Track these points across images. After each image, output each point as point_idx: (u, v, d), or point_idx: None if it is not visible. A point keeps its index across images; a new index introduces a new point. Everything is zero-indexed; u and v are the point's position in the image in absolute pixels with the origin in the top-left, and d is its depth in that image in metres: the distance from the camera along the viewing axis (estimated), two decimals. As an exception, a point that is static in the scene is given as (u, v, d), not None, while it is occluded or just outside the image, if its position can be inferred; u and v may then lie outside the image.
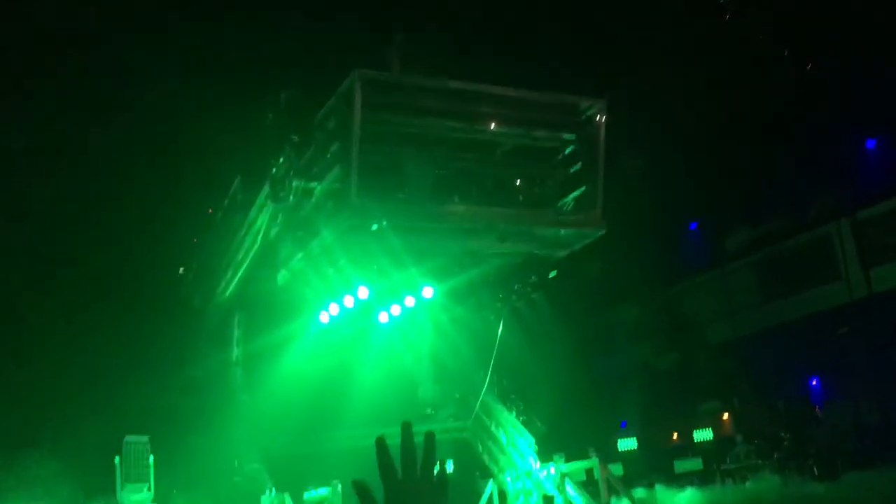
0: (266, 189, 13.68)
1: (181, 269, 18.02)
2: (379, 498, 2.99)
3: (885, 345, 25.12)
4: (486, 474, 19.08)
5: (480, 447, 19.31)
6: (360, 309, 14.54)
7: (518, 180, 14.45)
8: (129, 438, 16.32)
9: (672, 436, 29.23)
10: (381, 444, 3.08)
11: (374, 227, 12.97)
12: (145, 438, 16.54)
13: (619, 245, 25.76)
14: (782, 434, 25.57)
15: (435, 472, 3.02)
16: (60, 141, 16.79)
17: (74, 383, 18.12)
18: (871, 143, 28.60)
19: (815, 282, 28.69)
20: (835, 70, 25.71)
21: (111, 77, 16.55)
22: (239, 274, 15.41)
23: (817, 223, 28.96)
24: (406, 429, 3.16)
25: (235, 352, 16.62)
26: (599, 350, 28.38)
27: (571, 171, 14.24)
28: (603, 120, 13.72)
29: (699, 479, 24.49)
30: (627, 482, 19.21)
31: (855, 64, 25.11)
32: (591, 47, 19.03)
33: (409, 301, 14.84)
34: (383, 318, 15.35)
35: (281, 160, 13.40)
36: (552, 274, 14.99)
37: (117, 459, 15.87)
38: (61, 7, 15.67)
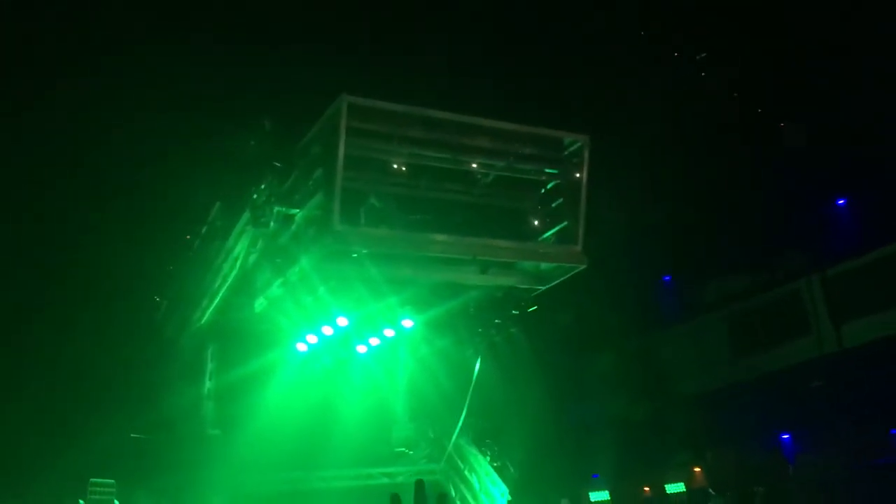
0: (246, 215, 13.56)
1: (157, 298, 17.71)
2: None
3: (855, 400, 25.23)
4: (458, 523, 18.80)
5: (454, 491, 19.01)
6: (338, 339, 14.37)
7: (500, 213, 14.43)
8: (94, 481, 15.93)
9: (644, 488, 28.97)
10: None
11: (355, 254, 12.84)
12: (111, 481, 16.15)
13: (595, 294, 25.93)
14: (755, 488, 25.44)
15: None
16: (31, 164, 16.59)
17: (39, 421, 17.63)
18: (840, 202, 29.10)
19: (785, 337, 28.82)
20: (808, 129, 26.32)
21: (88, 101, 16.42)
22: (215, 301, 15.21)
23: (788, 279, 29.25)
24: (419, 487, 3.07)
25: (208, 385, 16.33)
26: (573, 398, 28.18)
27: (553, 205, 14.27)
28: (586, 156, 13.81)
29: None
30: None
31: (826, 122, 25.71)
32: (571, 91, 19.31)
33: (388, 332, 14.68)
34: (362, 349, 15.14)
35: (262, 186, 13.32)
36: (532, 308, 14.94)
37: (81, 503, 15.44)
38: (30, 29, 15.59)
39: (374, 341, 15.06)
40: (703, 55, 26.39)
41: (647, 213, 26.29)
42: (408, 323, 14.42)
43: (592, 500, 27.32)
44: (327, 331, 14.19)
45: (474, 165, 13.85)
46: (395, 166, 13.47)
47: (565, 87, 19.64)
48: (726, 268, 30.28)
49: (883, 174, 25.42)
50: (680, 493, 27.54)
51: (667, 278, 32.30)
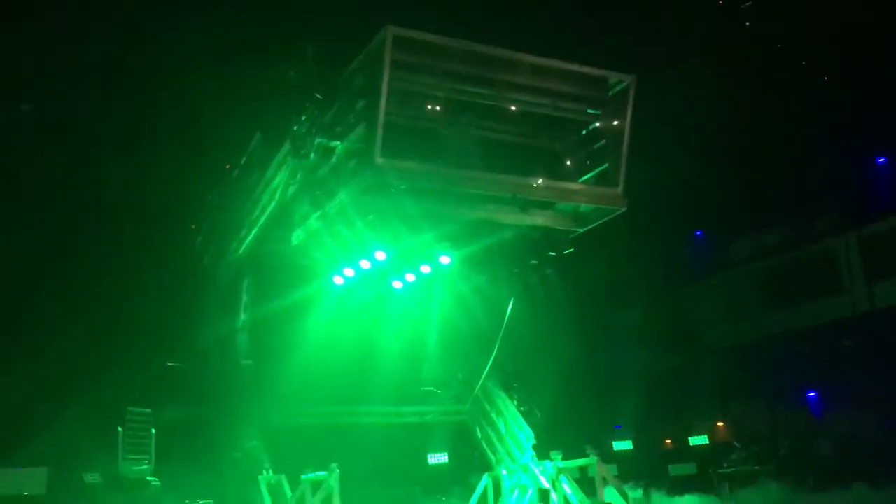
0: (286, 146, 13.51)
1: (192, 227, 17.77)
2: None
3: (886, 360, 25.05)
4: (482, 465, 18.92)
5: (479, 433, 19.15)
6: (375, 273, 14.37)
7: (540, 153, 14.30)
8: (131, 409, 16.16)
9: (667, 439, 29.10)
10: None
11: (394, 189, 12.79)
12: (148, 410, 16.38)
13: (627, 247, 25.80)
14: (781, 442, 25.47)
15: None
16: (75, 95, 16.60)
17: (78, 350, 17.88)
18: (880, 160, 28.65)
19: (817, 294, 28.66)
20: (848, 85, 25.77)
21: (128, 34, 16.35)
22: (253, 232, 15.23)
23: (823, 236, 28.97)
24: None
25: (242, 317, 16.42)
26: (602, 349, 28.22)
27: (595, 147, 14.10)
28: (631, 97, 13.60)
29: (695, 483, 24.36)
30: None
31: (869, 80, 25.16)
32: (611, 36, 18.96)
33: (425, 269, 14.66)
34: (398, 284, 15.16)
35: (303, 117, 13.24)
36: (569, 250, 14.85)
37: (120, 430, 15.68)
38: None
39: (411, 277, 15.05)
40: (749, 3, 25.79)
41: (682, 166, 25.98)
42: (445, 259, 14.38)
43: (616, 448, 27.42)
44: (364, 265, 14.18)
45: (516, 103, 13.62)
46: (438, 101, 13.28)
47: (607, 32, 19.27)
48: (760, 223, 30.04)
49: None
50: (703, 445, 27.59)
51: (699, 233, 32.10)
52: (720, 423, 28.24)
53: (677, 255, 30.42)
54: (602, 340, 28.16)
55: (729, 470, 24.05)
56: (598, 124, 14.07)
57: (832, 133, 26.15)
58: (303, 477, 14.95)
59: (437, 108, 13.45)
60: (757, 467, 23.57)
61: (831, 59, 25.95)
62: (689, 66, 24.22)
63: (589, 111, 13.97)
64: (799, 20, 25.13)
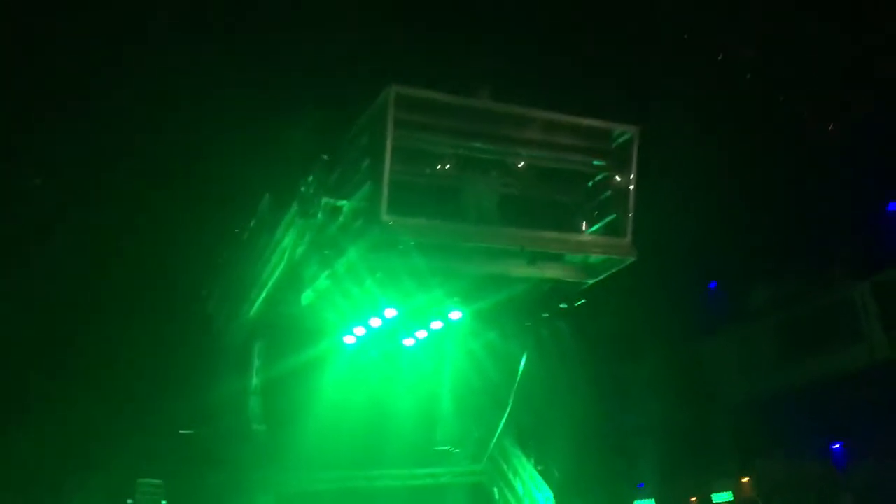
0: (294, 207, 13.59)
1: (204, 292, 17.87)
2: None
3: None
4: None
5: (497, 494, 18.82)
6: (386, 331, 14.33)
7: (547, 205, 14.34)
8: (141, 481, 16.03)
9: (691, 498, 28.59)
10: None
11: (402, 245, 12.81)
12: (158, 481, 16.24)
13: (641, 299, 25.71)
14: (803, 496, 25.01)
15: None
16: (83, 155, 16.86)
17: (88, 419, 17.81)
18: (892, 207, 28.63)
19: (835, 343, 28.38)
20: (861, 131, 25.89)
21: (136, 96, 16.66)
22: (263, 294, 15.24)
23: (839, 284, 28.80)
24: None
25: (254, 381, 16.37)
26: (619, 404, 27.94)
27: (601, 198, 14.12)
28: (635, 147, 13.66)
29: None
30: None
31: (881, 125, 25.28)
32: (619, 82, 19.17)
33: (436, 325, 14.61)
34: (409, 342, 15.10)
35: (310, 178, 13.35)
36: (580, 302, 14.78)
37: (129, 502, 15.52)
38: (73, 24, 15.85)
39: (422, 334, 14.98)
40: (754, 54, 26.08)
41: (696, 215, 26.03)
42: (455, 315, 14.32)
43: (638, 508, 27.02)
44: (375, 322, 14.14)
45: (522, 157, 13.72)
46: (444, 158, 13.39)
47: (613, 77, 19.50)
48: (775, 273, 29.91)
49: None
50: (727, 502, 27.14)
51: (713, 284, 31.99)
52: (745, 479, 27.74)
53: (692, 308, 30.27)
54: (618, 396, 27.90)
55: (753, 527, 23.63)
56: (603, 175, 14.09)
57: (845, 180, 26.22)
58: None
59: (443, 164, 13.53)
60: (781, 524, 23.13)
61: (841, 105, 26.13)
62: (697, 116, 24.42)
63: (594, 163, 14.01)
64: (806, 66, 25.37)
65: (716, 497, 27.34)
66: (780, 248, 28.73)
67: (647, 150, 13.90)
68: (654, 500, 27.50)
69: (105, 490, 17.14)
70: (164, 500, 16.16)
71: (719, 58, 25.99)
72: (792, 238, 28.26)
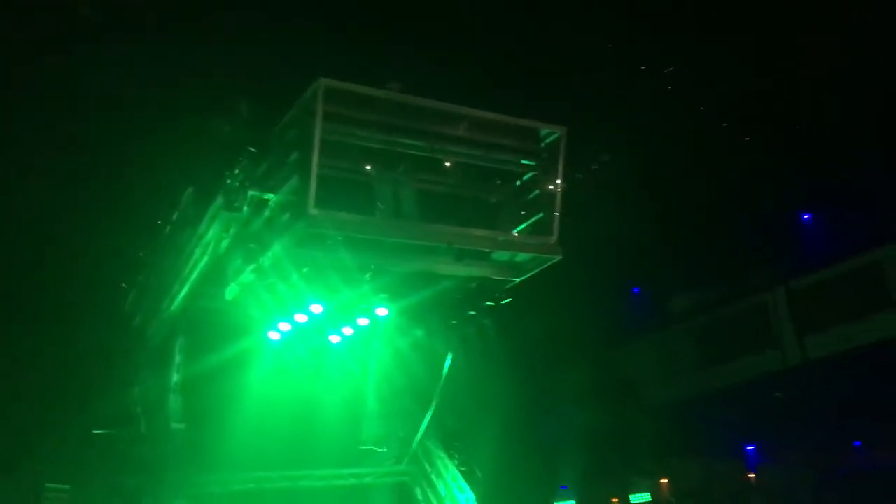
0: (219, 199, 13.36)
1: (123, 285, 17.36)
2: None
3: (819, 412, 25.47)
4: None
5: (420, 495, 18.80)
6: (312, 327, 14.17)
7: (475, 203, 14.42)
8: (49, 486, 15.52)
9: (611, 499, 28.97)
10: None
11: (329, 239, 12.71)
12: (65, 486, 15.74)
13: (563, 304, 25.98)
14: (714, 497, 25.60)
15: None
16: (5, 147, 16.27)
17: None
18: (805, 216, 29.56)
19: (751, 348, 29.14)
20: (777, 143, 26.64)
21: (56, 85, 16.15)
22: (185, 288, 14.93)
23: (753, 291, 29.60)
24: None
25: (174, 378, 16.00)
26: (541, 408, 28.14)
27: (529, 197, 14.26)
28: (563, 147, 13.84)
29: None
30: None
31: (797, 138, 26.06)
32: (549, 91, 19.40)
33: (362, 321, 14.51)
34: (335, 339, 14.95)
35: (236, 171, 13.15)
36: (506, 300, 14.88)
37: (36, 509, 15.02)
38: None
39: (348, 331, 14.86)
40: (671, 70, 26.62)
41: (615, 224, 26.39)
42: (382, 311, 14.25)
43: (559, 510, 27.26)
44: (301, 318, 13.97)
45: (450, 154, 13.76)
46: (372, 153, 13.34)
47: (544, 87, 19.72)
48: (694, 280, 30.55)
49: (848, 189, 25.87)
50: (646, 502, 27.58)
51: (636, 290, 32.52)
52: (664, 480, 28.25)
53: (614, 313, 30.72)
54: (541, 399, 28.11)
55: (667, 528, 24.08)
56: (531, 175, 14.24)
57: (762, 190, 26.91)
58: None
59: (371, 159, 13.48)
60: (692, 524, 23.62)
61: (758, 117, 26.82)
62: (619, 124, 24.78)
63: (522, 162, 14.16)
64: (723, 80, 25.98)
65: (634, 498, 27.76)
66: (700, 254, 29.33)
67: (573, 152, 14.10)
68: (574, 501, 27.77)
69: (9, 497, 16.50)
70: (74, 505, 15.63)
71: (642, 68, 26.49)
72: (711, 244, 28.87)
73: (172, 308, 15.54)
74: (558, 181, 13.91)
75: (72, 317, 17.60)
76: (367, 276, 13.57)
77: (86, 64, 15.87)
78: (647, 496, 27.48)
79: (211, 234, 13.79)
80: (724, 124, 27.50)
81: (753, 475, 27.58)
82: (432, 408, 16.84)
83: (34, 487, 16.15)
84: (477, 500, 17.76)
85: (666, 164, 26.40)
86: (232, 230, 13.51)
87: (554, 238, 14.13)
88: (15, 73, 16.48)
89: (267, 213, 13.20)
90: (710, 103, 26.60)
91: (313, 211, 12.14)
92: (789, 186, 26.81)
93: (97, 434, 17.12)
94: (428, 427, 17.71)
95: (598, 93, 23.24)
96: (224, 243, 13.69)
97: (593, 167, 23.88)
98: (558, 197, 14.00)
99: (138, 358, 17.01)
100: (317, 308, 13.76)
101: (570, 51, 21.29)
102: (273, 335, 14.64)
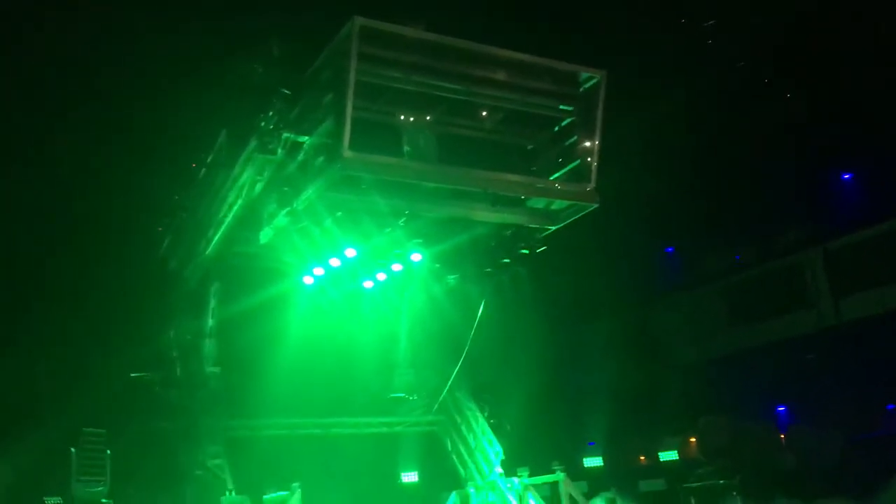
0: (253, 142, 13.25)
1: (159, 229, 17.39)
2: None
3: (852, 374, 25.23)
4: (450, 481, 18.61)
5: (450, 446, 18.85)
6: (346, 271, 14.12)
7: (512, 149, 14.23)
8: (86, 430, 15.71)
9: (639, 456, 28.99)
10: None
11: (364, 183, 12.61)
12: (102, 431, 15.92)
13: (596, 261, 25.82)
14: (745, 456, 25.49)
15: None
16: (36, 94, 16.27)
17: (39, 360, 17.34)
18: (845, 176, 29.09)
19: (784, 309, 28.89)
20: (816, 103, 26.18)
21: (90, 32, 16.08)
22: (220, 232, 14.89)
23: (789, 252, 29.28)
24: None
25: (209, 322, 16.08)
26: (571, 364, 28.12)
27: (567, 143, 14.04)
28: (602, 92, 13.57)
29: (663, 499, 24.32)
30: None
31: (835, 98, 25.59)
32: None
33: (396, 267, 14.43)
34: (368, 284, 14.90)
35: (270, 113, 13.01)
36: (541, 248, 14.72)
37: (73, 451, 15.21)
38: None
39: (382, 276, 14.80)
40: (712, 22, 26.15)
41: (650, 182, 26.13)
42: (416, 257, 14.14)
43: (586, 465, 27.28)
44: (335, 263, 13.92)
45: (487, 98, 13.54)
46: (408, 95, 13.16)
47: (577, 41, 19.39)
48: (728, 239, 30.28)
49: (887, 149, 25.40)
50: (673, 460, 27.57)
51: (669, 249, 32.29)
52: (692, 439, 28.21)
53: (647, 271, 30.53)
54: (572, 354, 28.08)
55: (694, 485, 24.00)
56: (569, 120, 14.01)
57: (799, 150, 26.51)
58: (265, 498, 14.55)
59: (407, 102, 13.30)
60: (722, 482, 23.54)
61: (798, 76, 26.35)
62: (654, 83, 24.41)
63: (560, 107, 13.92)
64: (763, 38, 25.51)
65: (662, 455, 27.75)
66: (735, 216, 29.06)
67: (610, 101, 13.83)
68: (601, 456, 27.82)
69: (48, 439, 16.71)
70: (108, 449, 15.80)
71: (682, 21, 26.04)
72: (747, 206, 28.58)
73: (207, 252, 15.53)
74: (597, 127, 13.64)
75: (108, 261, 17.68)
76: (401, 221, 13.44)
77: (119, 8, 15.78)
78: (674, 454, 27.43)
79: (245, 176, 13.72)
80: (765, 80, 27.08)
81: (783, 435, 27.45)
82: (462, 357, 16.75)
83: (72, 431, 16.31)
84: (505, 452, 17.75)
85: (703, 120, 26.06)
86: (266, 173, 13.41)
87: (591, 186, 13.93)
88: (48, 17, 16.46)
89: (301, 156, 13.08)
90: (750, 59, 26.16)
91: (348, 153, 12.01)
92: (828, 146, 26.38)
93: (133, 377, 17.24)
94: (459, 378, 17.64)
95: (635, 43, 22.87)
96: (258, 186, 13.61)
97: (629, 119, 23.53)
98: (596, 143, 13.76)
99: (174, 302, 17.08)
100: (351, 252, 13.69)
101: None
102: (307, 279, 14.61)
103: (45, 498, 15.17)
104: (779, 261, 29.21)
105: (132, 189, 17.21)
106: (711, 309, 30.50)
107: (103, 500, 15.31)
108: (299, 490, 14.40)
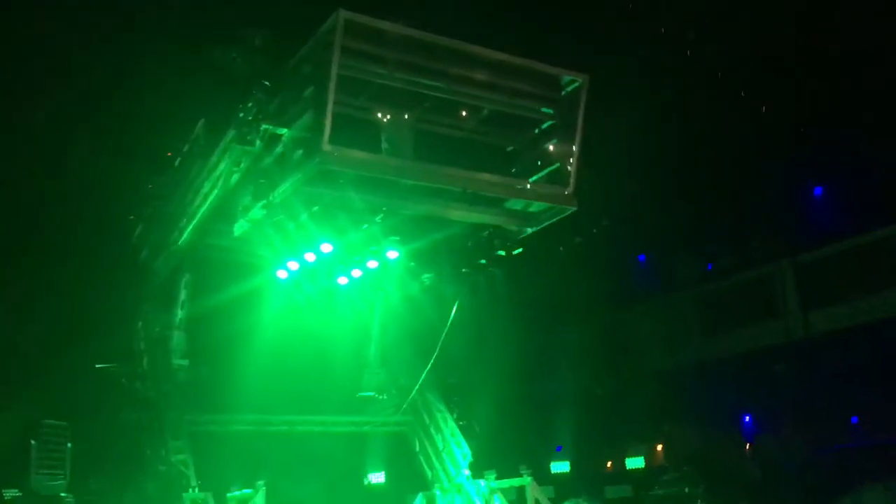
0: (231, 132, 13.08)
1: (131, 217, 17.12)
2: None
3: (818, 387, 25.44)
4: (417, 483, 18.54)
5: (418, 446, 18.78)
6: (320, 267, 13.96)
7: (491, 150, 14.17)
8: (47, 422, 15.45)
9: (606, 462, 29.07)
10: None
11: (341, 178, 12.49)
12: (64, 423, 15.67)
13: (567, 267, 25.86)
14: (711, 464, 25.60)
15: None
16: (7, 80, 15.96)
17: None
18: (818, 190, 29.34)
19: (754, 320, 29.06)
20: (788, 115, 26.36)
21: (66, 16, 15.80)
22: (194, 223, 14.68)
23: (761, 263, 29.46)
24: None
25: (179, 314, 15.85)
26: (542, 369, 28.13)
27: (547, 145, 14.01)
28: (584, 96, 13.55)
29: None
30: (557, 505, 19.03)
31: (809, 110, 25.78)
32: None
33: (372, 264, 14.32)
34: (343, 281, 14.76)
35: (250, 104, 12.83)
36: (518, 250, 14.66)
37: (33, 443, 14.94)
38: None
39: (357, 273, 14.68)
40: (691, 35, 26.27)
41: (624, 190, 26.21)
42: (393, 254, 14.04)
43: (553, 470, 27.33)
44: (310, 258, 13.77)
45: (469, 97, 13.46)
46: (389, 91, 13.05)
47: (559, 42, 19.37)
48: (701, 248, 30.42)
49: (860, 163, 25.64)
50: (640, 468, 27.67)
51: (642, 257, 32.40)
52: (658, 446, 28.32)
53: (621, 277, 30.60)
54: (543, 358, 28.09)
55: (660, 492, 24.05)
56: (550, 123, 13.98)
57: (773, 162, 26.69)
58: (228, 495, 14.42)
59: (389, 98, 13.19)
60: (687, 489, 23.60)
61: (771, 88, 26.51)
62: (630, 91, 24.45)
63: (542, 109, 13.88)
64: (738, 49, 25.66)
65: (629, 462, 27.85)
66: (709, 225, 29.20)
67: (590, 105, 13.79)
68: (569, 461, 27.86)
69: (8, 431, 16.39)
70: (70, 442, 15.54)
71: (662, 30, 26.13)
72: (720, 215, 28.73)
73: (180, 242, 15.31)
74: (578, 131, 13.62)
75: (78, 249, 17.38)
76: (378, 218, 13.34)
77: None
78: (640, 461, 27.53)
79: (222, 167, 13.54)
80: (741, 93, 27.25)
81: (749, 445, 27.64)
82: (433, 358, 16.66)
83: (34, 423, 16.01)
84: (473, 455, 17.69)
85: (676, 130, 26.16)
86: (243, 164, 13.23)
87: (570, 189, 13.92)
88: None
89: (279, 148, 12.92)
90: (726, 66, 26.30)
91: (327, 147, 11.89)
92: (800, 160, 26.58)
93: (99, 369, 16.97)
94: (429, 379, 17.56)
95: (611, 50, 22.89)
96: (234, 177, 13.43)
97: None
98: (577, 147, 13.74)
99: (143, 292, 16.83)
100: (326, 248, 13.55)
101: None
102: (281, 274, 14.45)
103: (2, 490, 14.94)
104: (751, 271, 29.35)
105: (104, 176, 16.91)
106: (683, 317, 30.60)
107: (62, 494, 15.08)
108: (264, 488, 14.29)
